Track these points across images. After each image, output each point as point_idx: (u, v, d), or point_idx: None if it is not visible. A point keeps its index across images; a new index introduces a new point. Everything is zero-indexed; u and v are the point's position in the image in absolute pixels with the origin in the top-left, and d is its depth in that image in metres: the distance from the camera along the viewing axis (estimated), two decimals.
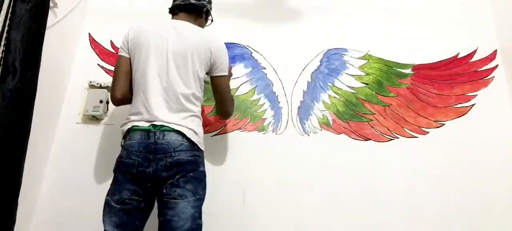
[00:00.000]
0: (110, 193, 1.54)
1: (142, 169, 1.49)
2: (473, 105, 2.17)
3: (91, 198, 2.04)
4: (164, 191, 1.49)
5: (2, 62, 1.41)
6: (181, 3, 1.82)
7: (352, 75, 2.29)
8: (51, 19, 1.97)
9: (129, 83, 1.67)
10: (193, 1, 1.81)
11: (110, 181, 2.03)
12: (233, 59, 2.34)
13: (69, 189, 2.06)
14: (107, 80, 2.25)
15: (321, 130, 2.19)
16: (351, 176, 2.07)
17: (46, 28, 1.70)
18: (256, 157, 2.13)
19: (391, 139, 2.15)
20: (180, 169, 1.51)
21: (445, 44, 2.31)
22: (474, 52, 2.28)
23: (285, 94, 2.26)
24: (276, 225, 2.01)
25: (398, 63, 2.30)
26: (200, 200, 1.56)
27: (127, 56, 1.70)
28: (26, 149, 1.55)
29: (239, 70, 2.32)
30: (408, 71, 2.28)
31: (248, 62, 2.34)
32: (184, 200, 1.48)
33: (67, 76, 2.28)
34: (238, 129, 2.19)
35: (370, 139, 2.15)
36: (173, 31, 1.69)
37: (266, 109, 2.24)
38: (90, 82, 2.23)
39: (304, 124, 2.20)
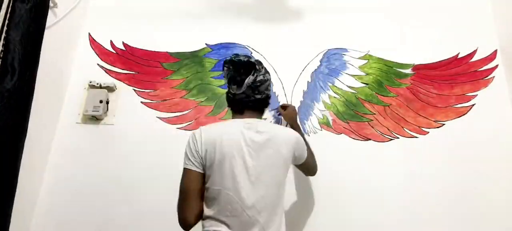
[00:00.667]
0: None
1: None
2: (473, 105, 2.17)
3: (91, 198, 2.04)
4: None
5: (1, 62, 1.41)
6: (245, 99, 1.52)
7: (352, 75, 2.29)
8: (51, 19, 1.97)
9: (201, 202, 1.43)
10: (258, 96, 1.53)
11: (110, 181, 2.06)
12: None
13: (69, 189, 2.06)
14: (107, 80, 2.25)
15: (321, 130, 2.18)
16: (351, 176, 2.07)
17: (46, 28, 1.70)
18: None
19: (391, 139, 2.15)
20: None
21: (445, 44, 2.30)
22: (474, 52, 2.28)
23: (285, 94, 2.26)
24: None
25: (398, 63, 2.30)
26: None
27: (201, 171, 1.41)
28: (23, 149, 1.54)
29: None
30: (408, 71, 2.28)
31: None
32: None
33: (67, 76, 2.28)
34: None
35: (370, 139, 2.15)
36: (246, 137, 1.42)
37: (266, 109, 2.23)
38: (90, 82, 2.23)
39: (304, 124, 2.20)
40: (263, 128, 1.46)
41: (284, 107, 2.05)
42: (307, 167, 1.70)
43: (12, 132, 1.47)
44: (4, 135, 1.42)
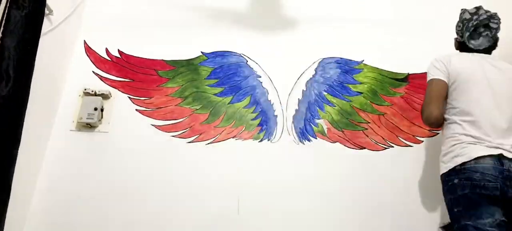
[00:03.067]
0: (474, 218, 1.49)
1: (506, 190, 1.49)
2: None
3: (85, 206, 2.02)
4: None
5: None
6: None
7: (347, 84, 2.30)
8: (46, 26, 1.97)
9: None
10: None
11: (104, 189, 2.04)
12: (228, 67, 2.35)
13: (63, 197, 2.04)
14: (102, 87, 2.25)
15: (316, 139, 2.19)
16: (345, 185, 2.07)
17: (41, 35, 1.70)
18: (251, 166, 2.12)
19: (386, 148, 2.15)
20: None
21: (439, 53, 2.31)
22: None
23: (280, 103, 2.27)
24: None
25: (393, 72, 2.32)
26: None
27: (446, 81, 1.74)
28: (16, 156, 1.53)
29: (235, 79, 2.33)
30: (403, 80, 2.30)
31: (243, 71, 2.35)
32: None
33: (61, 83, 2.26)
34: (233, 137, 2.19)
35: (365, 148, 2.16)
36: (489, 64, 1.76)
37: (261, 117, 2.24)
38: (85, 89, 2.22)
39: (299, 132, 2.20)
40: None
41: None
42: None
43: (5, 139, 1.46)
44: None
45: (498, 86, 1.69)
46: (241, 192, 2.05)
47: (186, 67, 2.34)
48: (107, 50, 2.37)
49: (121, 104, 2.24)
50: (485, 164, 1.51)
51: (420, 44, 2.36)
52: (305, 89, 2.30)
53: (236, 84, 2.32)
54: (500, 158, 1.52)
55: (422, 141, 2.16)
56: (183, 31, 2.43)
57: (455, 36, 1.95)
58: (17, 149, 1.53)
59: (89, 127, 2.17)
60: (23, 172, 1.73)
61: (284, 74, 2.32)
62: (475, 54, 1.80)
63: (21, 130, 1.55)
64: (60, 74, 2.26)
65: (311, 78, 2.33)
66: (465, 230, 1.50)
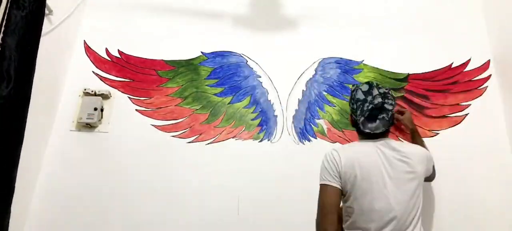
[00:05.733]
0: None
1: None
2: (466, 115, 2.19)
3: (85, 206, 2.03)
4: None
5: None
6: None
7: (347, 84, 2.30)
8: (46, 26, 1.97)
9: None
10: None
11: (104, 189, 2.05)
12: (228, 67, 2.35)
13: (62, 196, 2.04)
14: (102, 87, 2.25)
15: (316, 139, 2.19)
16: None
17: (41, 35, 1.69)
18: (251, 166, 2.12)
19: None
20: None
21: (439, 54, 2.33)
22: (467, 62, 2.30)
23: (280, 103, 2.27)
24: None
25: (393, 72, 2.31)
26: None
27: (339, 187, 1.56)
28: (19, 157, 1.53)
29: (235, 79, 2.33)
30: (403, 80, 2.30)
31: (243, 71, 2.35)
32: None
33: (61, 83, 2.27)
34: (233, 137, 2.19)
35: None
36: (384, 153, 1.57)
37: (261, 117, 2.24)
38: (85, 89, 2.22)
39: (299, 132, 2.20)
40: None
41: (401, 112, 2.04)
42: (430, 177, 1.78)
43: (7, 140, 1.45)
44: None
45: (395, 176, 1.52)
46: (241, 192, 2.06)
47: (186, 67, 2.35)
48: (107, 50, 2.37)
49: (121, 105, 2.24)
50: None
51: (420, 44, 2.37)
52: (305, 89, 2.30)
53: (236, 84, 2.32)
54: None
55: None
56: (183, 31, 2.44)
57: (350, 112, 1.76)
58: (20, 149, 1.53)
59: (89, 127, 2.17)
60: (23, 172, 1.73)
61: (284, 74, 2.32)
62: (370, 143, 1.62)
63: (24, 130, 1.55)
64: (60, 74, 2.26)
65: (311, 78, 2.33)
66: None
